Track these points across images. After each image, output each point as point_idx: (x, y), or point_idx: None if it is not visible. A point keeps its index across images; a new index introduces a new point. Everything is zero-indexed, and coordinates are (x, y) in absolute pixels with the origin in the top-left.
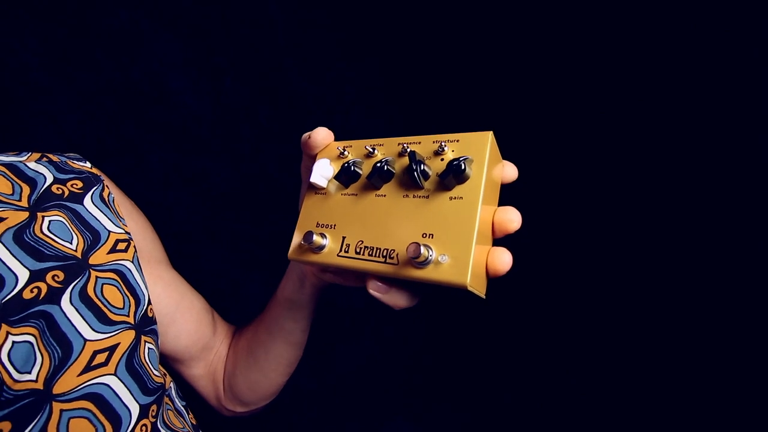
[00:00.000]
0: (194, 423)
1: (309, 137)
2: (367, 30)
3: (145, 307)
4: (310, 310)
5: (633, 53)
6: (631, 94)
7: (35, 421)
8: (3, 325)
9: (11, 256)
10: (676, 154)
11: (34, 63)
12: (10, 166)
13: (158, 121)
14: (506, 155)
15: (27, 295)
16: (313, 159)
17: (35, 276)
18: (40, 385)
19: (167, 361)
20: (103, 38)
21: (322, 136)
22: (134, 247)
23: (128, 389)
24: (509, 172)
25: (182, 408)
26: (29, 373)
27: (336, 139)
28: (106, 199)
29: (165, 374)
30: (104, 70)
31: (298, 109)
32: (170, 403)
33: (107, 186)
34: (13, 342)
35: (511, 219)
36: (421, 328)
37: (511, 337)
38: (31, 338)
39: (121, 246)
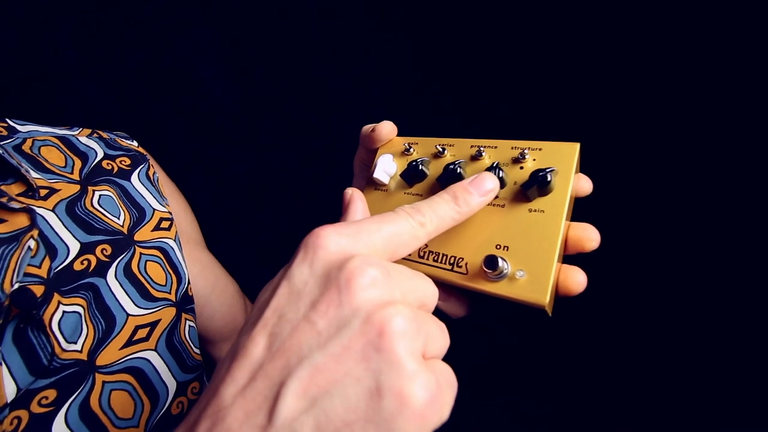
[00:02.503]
0: None
1: (372, 130)
2: (398, 29)
3: (186, 286)
4: None
5: (636, 58)
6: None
7: (79, 390)
8: (56, 294)
9: (63, 227)
10: (676, 154)
11: (71, 43)
12: (63, 139)
13: (185, 107)
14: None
15: (77, 266)
16: (371, 152)
17: (85, 248)
18: (84, 356)
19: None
20: (138, 23)
21: (387, 130)
22: (176, 226)
23: (167, 365)
24: (584, 186)
25: None
26: (75, 343)
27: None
28: (152, 178)
29: None
30: (137, 54)
31: (324, 104)
32: (206, 384)
33: (152, 165)
34: (64, 312)
35: (591, 238)
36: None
37: (511, 339)
38: (79, 309)
39: (165, 224)
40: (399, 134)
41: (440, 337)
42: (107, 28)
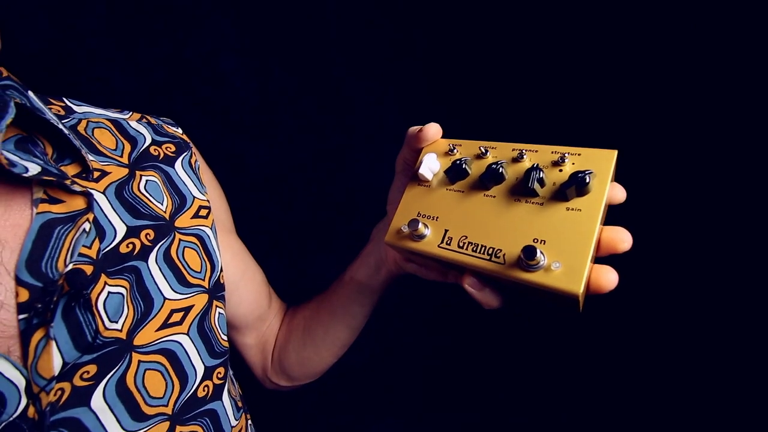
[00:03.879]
0: (241, 393)
1: (420, 131)
2: (418, 33)
3: (218, 274)
4: (378, 296)
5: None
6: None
7: (117, 367)
8: (102, 275)
9: (112, 210)
10: (674, 156)
11: (98, 29)
12: (115, 122)
13: (205, 98)
14: None
15: (123, 249)
16: (416, 152)
17: (131, 232)
18: (123, 335)
19: None
20: (165, 13)
21: (433, 131)
22: (212, 215)
23: (197, 350)
24: (618, 194)
25: (232, 376)
26: (116, 322)
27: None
28: (193, 166)
29: None
30: (161, 44)
31: (341, 104)
32: (230, 370)
33: (195, 153)
34: (109, 292)
35: (623, 239)
36: (425, 331)
37: (511, 342)
38: (123, 290)
39: (203, 213)
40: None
41: None
42: (135, 16)
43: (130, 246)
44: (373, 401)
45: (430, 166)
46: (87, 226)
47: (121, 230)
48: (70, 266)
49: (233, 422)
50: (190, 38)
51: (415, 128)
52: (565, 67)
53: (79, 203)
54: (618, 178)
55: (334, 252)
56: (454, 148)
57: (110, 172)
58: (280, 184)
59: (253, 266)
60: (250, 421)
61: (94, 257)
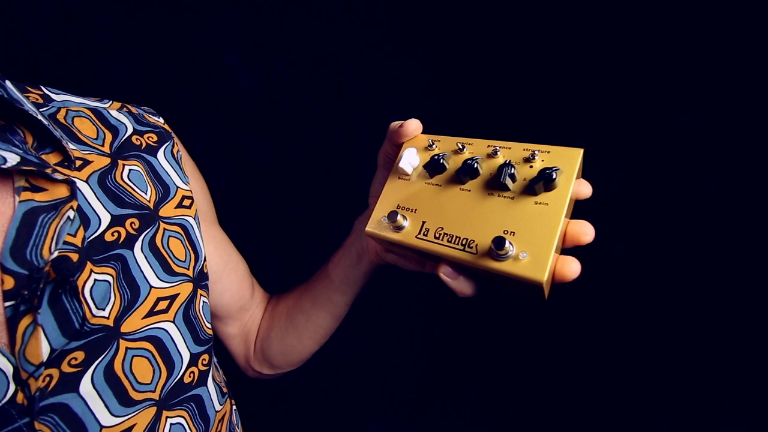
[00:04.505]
0: (225, 379)
1: (401, 126)
2: (421, 31)
3: (202, 263)
4: (360, 285)
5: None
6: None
7: (104, 354)
8: (88, 262)
9: (96, 198)
10: (673, 156)
11: (103, 22)
12: (95, 110)
13: (208, 93)
14: None
15: (108, 237)
16: (397, 147)
17: (116, 221)
18: (111, 323)
19: None
20: (169, 7)
21: (413, 127)
22: (195, 204)
23: (183, 337)
24: (584, 190)
25: (216, 363)
26: (104, 310)
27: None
28: (175, 156)
29: None
30: (166, 38)
31: (342, 101)
32: (213, 357)
33: (177, 143)
34: (95, 280)
35: (585, 232)
36: (423, 329)
37: (510, 342)
38: (109, 278)
39: (186, 202)
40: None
41: None
42: (140, 11)
43: (116, 234)
44: (368, 398)
45: (410, 160)
46: (71, 213)
47: (106, 219)
48: (56, 253)
49: (217, 407)
50: (195, 33)
51: (396, 123)
52: (563, 68)
53: (62, 191)
54: (604, 175)
55: (334, 248)
56: (433, 144)
57: (92, 161)
58: (281, 180)
59: (236, 257)
60: (234, 407)
61: (80, 245)
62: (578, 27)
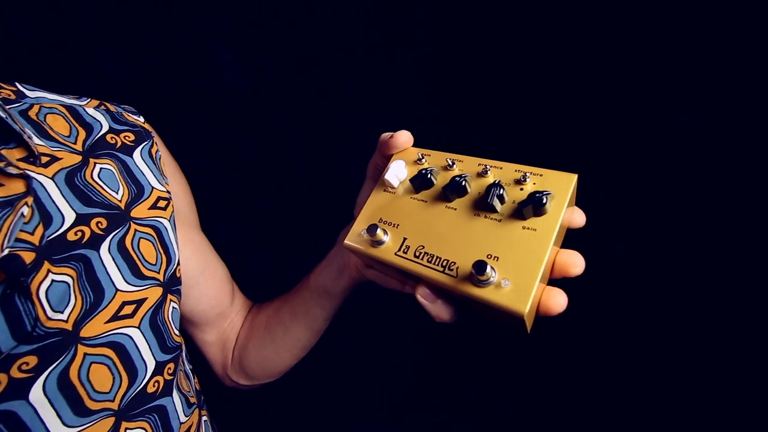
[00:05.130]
0: (198, 388)
1: (391, 137)
2: (415, 32)
3: (174, 267)
4: (339, 301)
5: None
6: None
7: (60, 359)
8: (46, 262)
9: (61, 196)
10: (674, 156)
11: (89, 15)
12: (70, 108)
13: (197, 89)
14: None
15: (71, 236)
16: (386, 158)
17: (81, 220)
18: (69, 326)
19: (182, 322)
20: (158, 0)
21: (404, 139)
22: (172, 207)
23: (148, 344)
24: (578, 218)
25: (189, 372)
26: (62, 312)
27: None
28: (154, 156)
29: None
30: (154, 32)
31: (333, 100)
32: (181, 365)
33: (156, 143)
34: (53, 280)
35: (575, 263)
36: (415, 333)
37: (504, 344)
38: (69, 279)
39: (162, 204)
40: (425, 141)
41: None
42: (129, 3)
43: (79, 234)
44: (358, 401)
45: (397, 173)
46: (26, 210)
47: (70, 217)
48: (6, 251)
49: (182, 418)
50: (184, 27)
51: (386, 135)
52: (562, 68)
53: (18, 187)
54: (604, 175)
55: (323, 249)
56: (423, 158)
57: (61, 158)
58: (270, 179)
59: (215, 262)
60: (205, 418)
61: (37, 243)
62: (579, 27)
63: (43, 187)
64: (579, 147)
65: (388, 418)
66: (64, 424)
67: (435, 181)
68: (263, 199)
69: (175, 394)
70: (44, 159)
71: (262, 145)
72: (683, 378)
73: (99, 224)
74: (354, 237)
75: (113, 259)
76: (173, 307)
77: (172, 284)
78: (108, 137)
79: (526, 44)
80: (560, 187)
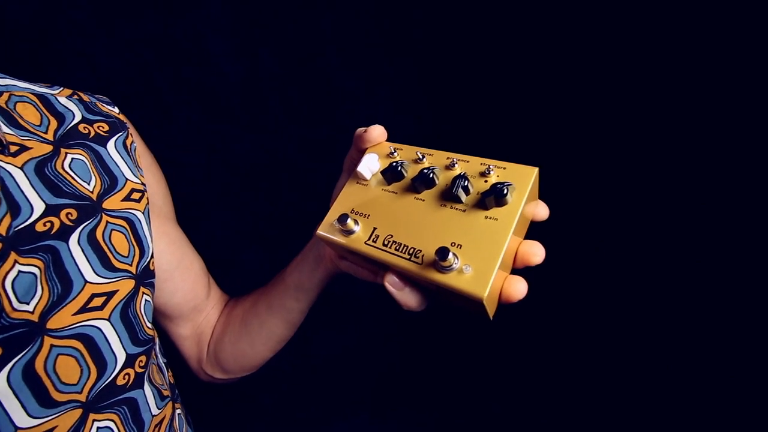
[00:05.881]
0: (172, 382)
1: (365, 132)
2: (413, 34)
3: (148, 260)
4: (315, 294)
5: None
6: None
7: (26, 350)
8: (12, 252)
9: (30, 186)
10: (674, 157)
11: (82, 1)
12: (41, 96)
13: (191, 81)
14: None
15: (39, 227)
16: (361, 152)
17: (50, 210)
18: (35, 318)
19: (156, 316)
20: None
21: (377, 133)
22: (147, 199)
23: (119, 336)
24: (541, 212)
25: (163, 365)
26: (28, 304)
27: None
28: (128, 147)
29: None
30: (149, 21)
31: (330, 97)
32: (154, 358)
33: (131, 134)
34: (19, 271)
35: (535, 253)
36: (401, 330)
37: (482, 338)
38: (36, 270)
39: (136, 196)
40: (394, 137)
41: None
42: None
43: (48, 225)
44: (338, 398)
45: (370, 166)
46: None
47: (39, 208)
48: None
49: (155, 411)
50: (179, 16)
51: (361, 129)
52: (557, 67)
53: None
54: (604, 175)
55: None
56: (395, 151)
57: (31, 148)
58: (264, 174)
59: (191, 255)
60: (179, 411)
61: (4, 234)
62: (580, 27)
63: (12, 176)
64: (577, 148)
65: (372, 415)
66: (28, 415)
67: (405, 174)
68: (256, 193)
69: (146, 387)
70: (13, 148)
71: (256, 139)
72: (682, 378)
73: (69, 215)
74: (326, 227)
75: (83, 251)
76: (146, 300)
77: (145, 277)
78: (81, 127)
79: (524, 44)
80: (522, 179)
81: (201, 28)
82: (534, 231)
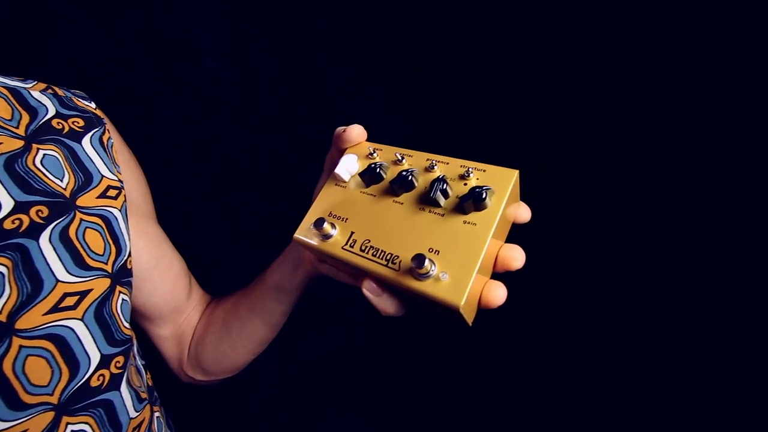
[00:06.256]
0: (150, 384)
1: (344, 131)
2: (407, 36)
3: (125, 258)
4: (296, 296)
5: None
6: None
7: None
8: None
9: None
10: (674, 157)
11: None
12: (13, 90)
13: (178, 77)
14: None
15: (7, 225)
16: (341, 152)
17: (19, 207)
18: (3, 318)
19: (135, 316)
20: None
21: (356, 133)
22: (124, 196)
23: (92, 336)
24: (523, 214)
25: (141, 367)
26: None
27: (368, 140)
28: (105, 143)
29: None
30: (135, 15)
31: (320, 96)
32: (132, 359)
33: (108, 130)
34: None
35: (515, 257)
36: (389, 333)
37: (470, 339)
38: (3, 269)
39: (112, 193)
40: (385, 135)
41: None
42: None
43: (17, 222)
44: (324, 400)
45: (348, 167)
46: None
47: (8, 205)
48: None
49: (132, 413)
50: (166, 13)
51: (340, 129)
52: (554, 67)
53: None
54: (603, 174)
55: None
56: (375, 152)
57: (1, 143)
58: (252, 172)
59: (171, 255)
60: (158, 414)
61: None
62: (571, 26)
63: None
64: (576, 149)
65: (359, 417)
66: None
67: (384, 176)
68: (244, 192)
69: (123, 388)
70: None
71: (246, 136)
72: (682, 378)
73: (39, 212)
74: (303, 231)
75: (54, 249)
76: (123, 300)
77: (121, 276)
78: (54, 122)
79: (515, 43)
80: (501, 182)
81: (188, 23)
82: (516, 233)
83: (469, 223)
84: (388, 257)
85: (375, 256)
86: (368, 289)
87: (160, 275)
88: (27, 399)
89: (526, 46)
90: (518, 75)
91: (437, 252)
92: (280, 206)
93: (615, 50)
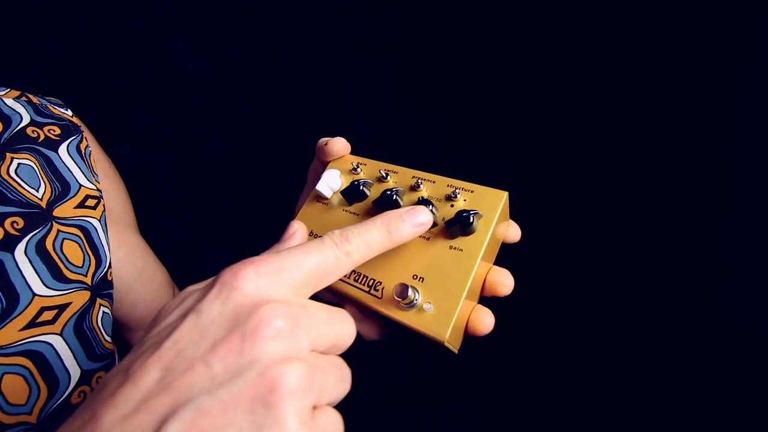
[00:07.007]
0: None
1: (326, 144)
2: (384, 34)
3: (105, 270)
4: None
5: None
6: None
7: None
8: None
9: None
10: (673, 158)
11: None
12: None
13: (151, 78)
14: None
15: None
16: (324, 165)
17: None
18: None
19: (118, 329)
20: None
21: (339, 146)
22: (104, 206)
23: (72, 352)
24: (513, 233)
25: None
26: None
27: (351, 152)
28: (83, 152)
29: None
30: (105, 15)
31: (298, 96)
32: None
33: (86, 138)
34: None
35: (504, 284)
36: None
37: (472, 343)
38: None
39: (91, 202)
40: (365, 136)
41: (337, 387)
42: None
43: None
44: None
45: (330, 183)
46: None
47: None
48: None
49: None
50: (138, 12)
51: (323, 140)
52: (544, 66)
53: None
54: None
55: None
56: (358, 167)
57: None
58: (230, 175)
59: (153, 265)
60: None
61: None
62: (579, 26)
63: None
64: (575, 151)
65: (349, 420)
66: None
67: (368, 193)
68: (222, 194)
69: None
70: None
71: (222, 138)
72: (682, 378)
73: (15, 224)
74: None
75: (30, 262)
76: (104, 312)
77: (102, 288)
78: (29, 130)
79: (500, 44)
80: (490, 205)
81: (161, 23)
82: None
83: (455, 248)
84: (370, 283)
85: (357, 281)
86: (350, 314)
87: (143, 286)
88: (4, 419)
89: (510, 46)
90: (501, 75)
91: (422, 279)
92: (258, 209)
93: (605, 55)
